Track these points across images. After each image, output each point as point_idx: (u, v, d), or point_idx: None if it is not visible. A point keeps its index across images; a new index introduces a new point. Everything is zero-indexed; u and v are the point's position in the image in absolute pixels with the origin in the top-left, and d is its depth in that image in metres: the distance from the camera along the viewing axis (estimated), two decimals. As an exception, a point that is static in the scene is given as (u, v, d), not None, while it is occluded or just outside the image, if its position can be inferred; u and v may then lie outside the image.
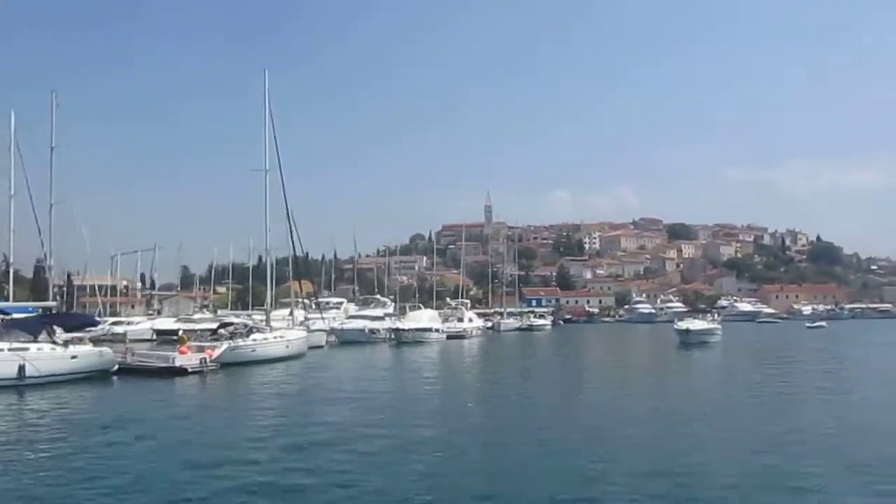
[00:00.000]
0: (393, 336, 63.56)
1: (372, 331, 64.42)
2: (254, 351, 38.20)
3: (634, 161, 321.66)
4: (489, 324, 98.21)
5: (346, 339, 59.21)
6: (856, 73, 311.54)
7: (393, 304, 78.87)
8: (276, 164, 45.07)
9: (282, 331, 44.32)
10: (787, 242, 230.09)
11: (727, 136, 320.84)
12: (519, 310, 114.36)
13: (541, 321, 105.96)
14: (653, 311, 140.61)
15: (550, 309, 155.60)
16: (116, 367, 31.34)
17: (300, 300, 72.31)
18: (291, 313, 63.00)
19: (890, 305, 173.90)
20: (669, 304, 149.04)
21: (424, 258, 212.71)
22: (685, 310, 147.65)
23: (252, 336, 39.88)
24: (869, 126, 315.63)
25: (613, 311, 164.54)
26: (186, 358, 32.19)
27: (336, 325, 62.09)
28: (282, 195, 45.63)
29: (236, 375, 31.93)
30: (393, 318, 70.84)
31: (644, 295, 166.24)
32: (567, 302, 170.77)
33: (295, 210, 48.47)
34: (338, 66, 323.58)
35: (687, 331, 52.26)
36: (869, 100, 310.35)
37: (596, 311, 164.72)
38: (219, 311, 76.84)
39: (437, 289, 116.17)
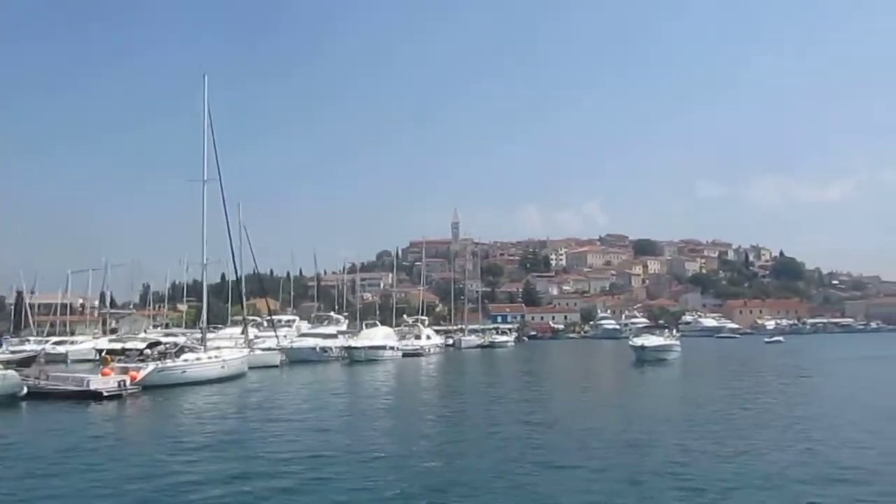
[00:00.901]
0: (346, 354, 61.74)
1: (324, 349, 62.31)
2: (184, 372, 35.83)
3: (602, 177, 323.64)
4: (450, 341, 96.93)
5: (296, 358, 56.89)
6: (818, 92, 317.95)
7: (347, 321, 76.89)
8: (215, 174, 42.79)
9: (218, 350, 41.96)
10: (751, 258, 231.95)
11: (695, 152, 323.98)
12: (481, 327, 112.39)
13: (503, 338, 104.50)
14: (617, 327, 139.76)
15: (515, 325, 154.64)
16: (25, 390, 29.01)
17: (253, 318, 70.40)
18: (245, 331, 61.22)
19: (851, 320, 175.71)
20: (634, 320, 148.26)
21: (390, 275, 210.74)
22: (647, 325, 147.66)
23: (183, 356, 37.55)
24: (832, 144, 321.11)
25: (579, 328, 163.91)
26: (103, 380, 29.86)
27: (285, 343, 59.97)
28: (232, 207, 43.34)
29: (160, 399, 29.65)
30: (347, 335, 68.82)
31: (609, 311, 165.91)
32: (532, 318, 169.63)
33: (257, 226, 46.38)
34: (304, 82, 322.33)
35: (642, 347, 50.19)
36: (832, 118, 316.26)
37: (561, 327, 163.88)
38: (170, 329, 74.30)
39: (398, 306, 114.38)
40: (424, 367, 56.19)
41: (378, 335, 67.61)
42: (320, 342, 62.97)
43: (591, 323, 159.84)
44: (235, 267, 49.08)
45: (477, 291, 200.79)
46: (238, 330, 62.77)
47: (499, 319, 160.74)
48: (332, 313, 78.12)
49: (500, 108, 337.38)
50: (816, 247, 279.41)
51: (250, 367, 44.69)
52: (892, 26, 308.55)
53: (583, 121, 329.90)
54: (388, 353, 64.25)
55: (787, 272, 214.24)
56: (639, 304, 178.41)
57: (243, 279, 63.92)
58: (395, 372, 49.85)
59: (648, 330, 63.71)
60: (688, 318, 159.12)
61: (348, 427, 21.48)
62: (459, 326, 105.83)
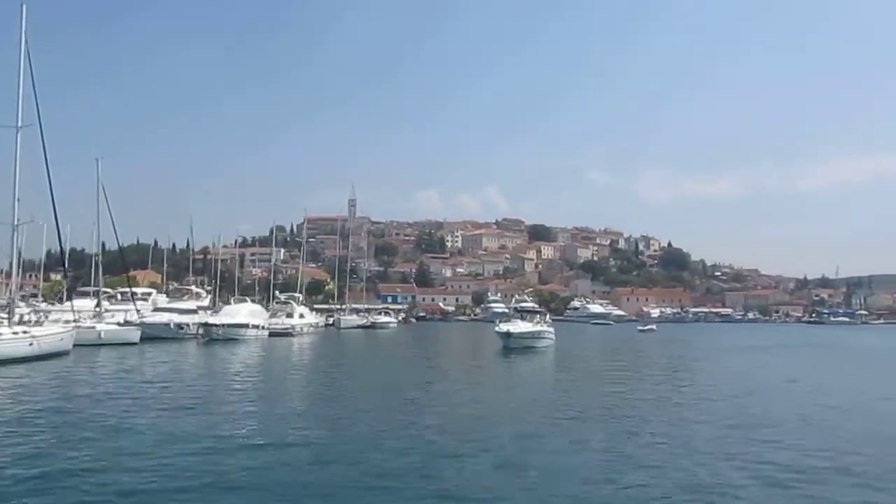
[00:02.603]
0: (203, 332, 56.86)
1: (179, 325, 57.02)
2: (-29, 350, 30.62)
3: (502, 163, 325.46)
4: (330, 320, 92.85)
5: (147, 335, 51.32)
6: (711, 93, 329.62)
7: (210, 295, 71.47)
8: (34, 118, 36.58)
9: (29, 325, 36.46)
10: (641, 247, 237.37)
11: (593, 143, 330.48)
12: (366, 306, 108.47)
13: (386, 318, 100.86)
14: (506, 310, 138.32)
15: (405, 306, 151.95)
16: None
17: (105, 290, 64.37)
18: (99, 304, 55.59)
19: (730, 310, 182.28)
20: (523, 304, 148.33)
21: (282, 251, 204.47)
22: (521, 309, 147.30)
23: (-26, 332, 32.10)
24: (719, 142, 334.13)
25: (469, 310, 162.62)
26: None
27: (134, 318, 54.49)
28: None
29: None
30: (208, 311, 63.60)
31: (500, 294, 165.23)
32: (423, 299, 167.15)
33: (147, 195, 40.29)
34: (210, 69, 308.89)
35: (508, 334, 46.24)
36: (720, 115, 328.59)
37: (452, 309, 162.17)
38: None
39: (286, 282, 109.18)
40: (288, 349, 51.83)
41: (241, 312, 62.49)
42: (175, 318, 57.65)
43: (482, 306, 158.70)
44: (59, 232, 42.33)
45: (369, 270, 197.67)
46: (89, 303, 57.09)
47: (389, 300, 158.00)
48: (192, 286, 72.13)
49: (402, 93, 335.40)
50: (702, 239, 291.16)
51: (103, 345, 41.89)
52: (773, 27, 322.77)
53: (484, 106, 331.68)
54: (252, 331, 59.46)
55: (674, 262, 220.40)
56: (530, 289, 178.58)
57: (100, 247, 58.03)
58: (252, 353, 45.48)
59: (515, 314, 58.57)
60: (576, 303, 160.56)
61: (143, 421, 17.27)
62: (341, 306, 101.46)
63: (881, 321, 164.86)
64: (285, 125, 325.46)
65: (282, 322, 69.41)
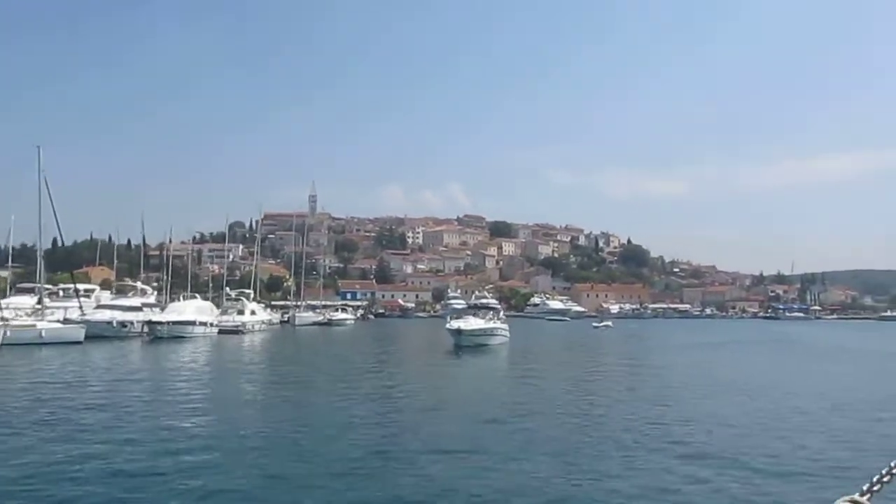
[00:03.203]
0: (147, 330, 54.98)
1: (122, 323, 54.99)
2: None
3: (465, 160, 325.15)
4: (286, 317, 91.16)
5: (89, 333, 49.25)
6: (672, 92, 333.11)
7: (156, 292, 69.40)
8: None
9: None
10: (601, 244, 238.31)
11: (554, 140, 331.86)
12: (321, 302, 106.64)
13: (343, 315, 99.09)
14: (465, 306, 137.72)
15: (364, 302, 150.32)
16: None
17: (47, 287, 61.87)
18: (40, 301, 53.17)
19: (689, 306, 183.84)
20: (483, 301, 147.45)
21: (241, 247, 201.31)
22: (473, 305, 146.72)
23: None
24: (677, 140, 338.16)
25: (429, 307, 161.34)
26: None
27: (76, 316, 52.33)
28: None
29: None
30: (154, 308, 61.50)
31: (460, 291, 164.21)
32: (383, 296, 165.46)
33: (104, 190, 38.17)
34: (169, 65, 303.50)
35: (459, 331, 44.37)
36: (679, 115, 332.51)
37: (412, 305, 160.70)
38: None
39: (245, 279, 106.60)
40: (236, 347, 50.28)
41: (188, 309, 60.58)
42: (118, 315, 55.59)
43: (442, 302, 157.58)
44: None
45: (329, 267, 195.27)
46: (30, 300, 54.78)
47: (348, 296, 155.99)
48: (138, 283, 69.77)
49: (370, 91, 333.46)
50: (661, 236, 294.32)
51: (45, 344, 41.28)
52: (743, 30, 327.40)
53: (447, 103, 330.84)
54: (199, 329, 57.63)
55: (634, 259, 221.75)
56: (491, 285, 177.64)
57: (41, 242, 55.52)
58: (197, 352, 43.88)
59: (469, 311, 56.71)
60: (536, 300, 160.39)
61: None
62: (296, 302, 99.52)
63: (834, 316, 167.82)
64: (246, 122, 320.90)
65: (232, 319, 67.62)
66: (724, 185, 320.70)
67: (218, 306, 72.06)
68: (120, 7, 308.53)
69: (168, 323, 54.82)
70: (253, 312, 72.48)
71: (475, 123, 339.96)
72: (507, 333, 51.08)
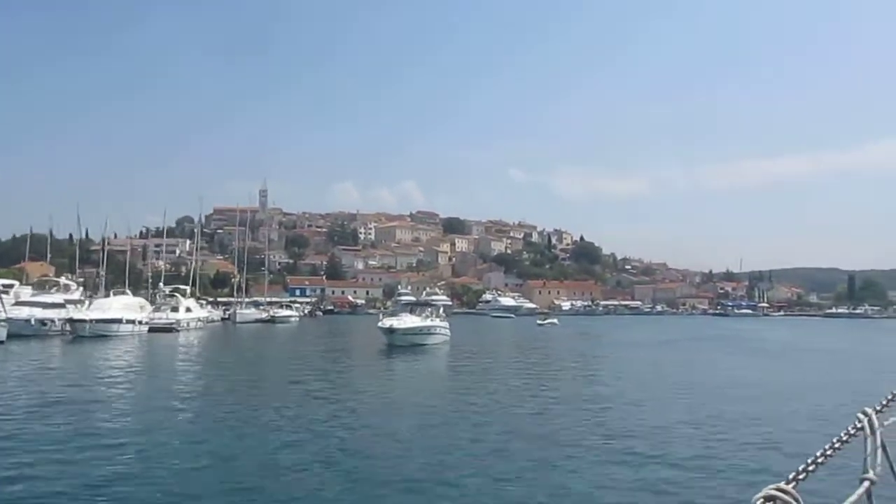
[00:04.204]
0: (69, 328, 51.94)
1: (42, 321, 51.91)
2: None
3: (419, 157, 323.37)
4: (227, 314, 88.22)
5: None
6: (624, 92, 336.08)
7: (81, 287, 66.00)
8: None
9: None
10: (554, 241, 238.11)
11: (508, 138, 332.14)
12: (266, 299, 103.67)
13: (286, 312, 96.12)
14: (414, 303, 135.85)
15: (314, 299, 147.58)
16: None
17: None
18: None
19: (640, 303, 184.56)
20: (434, 298, 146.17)
21: (188, 242, 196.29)
22: (413, 302, 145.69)
23: None
24: (631, 142, 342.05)
25: (380, 303, 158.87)
26: None
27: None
28: None
29: None
30: (78, 305, 58.21)
31: (410, 287, 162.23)
32: (333, 292, 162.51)
33: (53, 186, 35.26)
34: (124, 63, 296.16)
35: (391, 330, 41.96)
36: (634, 116, 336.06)
37: (362, 302, 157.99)
38: None
39: (163, 274, 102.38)
40: (166, 346, 47.79)
41: (114, 305, 57.46)
42: (38, 312, 52.40)
43: (393, 299, 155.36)
44: None
45: (278, 263, 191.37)
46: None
47: (297, 293, 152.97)
48: (62, 278, 66.16)
49: (328, 88, 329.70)
50: (613, 234, 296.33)
51: None
52: (700, 34, 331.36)
53: (402, 101, 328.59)
54: (126, 327, 54.75)
55: (586, 256, 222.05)
56: (443, 282, 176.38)
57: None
58: (120, 351, 41.46)
59: (408, 308, 54.34)
60: (488, 296, 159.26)
61: None
62: (238, 299, 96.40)
63: (781, 313, 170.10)
64: (204, 118, 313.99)
65: (166, 316, 64.68)
66: (675, 184, 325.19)
67: (153, 303, 69.12)
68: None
69: (91, 321, 51.88)
70: (188, 309, 69.37)
71: (430, 122, 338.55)
72: (448, 332, 48.81)
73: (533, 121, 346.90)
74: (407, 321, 44.91)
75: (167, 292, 72.48)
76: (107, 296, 65.59)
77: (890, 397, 1.78)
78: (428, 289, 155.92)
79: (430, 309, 52.56)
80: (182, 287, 75.85)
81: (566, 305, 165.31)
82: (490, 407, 20.49)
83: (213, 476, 12.19)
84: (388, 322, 43.64)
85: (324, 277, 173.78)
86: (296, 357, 39.55)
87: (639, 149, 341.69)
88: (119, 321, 54.29)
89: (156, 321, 61.80)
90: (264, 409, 19.37)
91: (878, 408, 1.65)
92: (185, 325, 65.42)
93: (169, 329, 61.04)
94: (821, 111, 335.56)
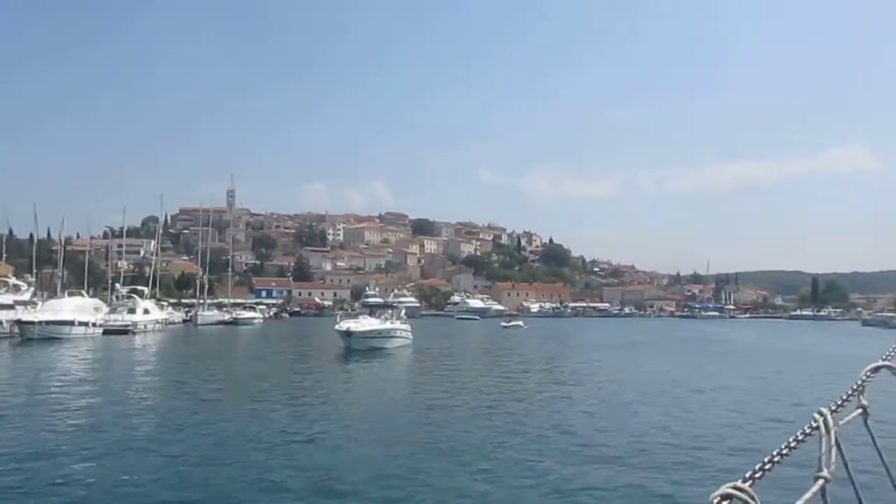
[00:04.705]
0: (17, 331, 50.13)
1: (-12, 324, 50.21)
2: None
3: (391, 159, 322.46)
4: (189, 316, 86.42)
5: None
6: (593, 95, 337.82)
7: (33, 288, 63.98)
8: None
9: None
10: (523, 243, 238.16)
11: (479, 140, 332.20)
12: (230, 301, 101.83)
13: (250, 314, 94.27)
14: (414, 303, 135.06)
15: (280, 300, 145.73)
16: None
17: None
18: None
19: (608, 305, 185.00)
20: (402, 299, 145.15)
21: (153, 242, 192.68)
22: (416, 304, 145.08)
23: None
24: (600, 145, 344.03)
25: (348, 305, 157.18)
26: None
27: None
28: None
29: None
30: (29, 307, 56.21)
31: (378, 289, 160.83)
32: (300, 294, 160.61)
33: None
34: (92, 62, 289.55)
35: (348, 333, 40.11)
36: (603, 119, 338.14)
37: (329, 303, 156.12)
38: None
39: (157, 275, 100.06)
40: (119, 349, 46.23)
41: (66, 307, 55.56)
42: (-15, 315, 50.63)
43: (360, 301, 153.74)
44: None
45: (245, 264, 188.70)
46: None
47: (263, 294, 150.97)
48: (11, 278, 63.91)
49: (297, 88, 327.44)
50: (583, 236, 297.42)
51: None
52: (668, 39, 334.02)
53: (374, 101, 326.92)
54: (79, 329, 53.02)
55: (555, 258, 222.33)
56: (411, 283, 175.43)
57: None
58: (71, 355, 39.95)
59: (368, 309, 52.33)
60: (456, 298, 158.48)
61: None
62: (200, 300, 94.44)
63: (747, 315, 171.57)
64: (176, 118, 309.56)
65: (122, 318, 62.83)
66: (644, 187, 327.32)
67: (110, 304, 67.30)
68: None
69: (41, 322, 50.04)
70: (146, 311, 67.47)
71: (400, 123, 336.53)
72: (409, 335, 47.48)
73: (503, 122, 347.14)
74: (365, 324, 43.25)
75: (124, 293, 70.52)
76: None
77: (844, 397, 1.81)
78: (396, 290, 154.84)
79: (390, 311, 50.79)
80: (140, 288, 73.89)
81: (535, 307, 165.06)
82: (438, 416, 19.50)
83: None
84: (345, 325, 41.91)
85: (291, 279, 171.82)
86: (249, 360, 38.32)
87: (608, 152, 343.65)
88: (71, 323, 52.60)
89: (111, 323, 60.16)
90: (188, 423, 18.08)
91: (833, 407, 1.70)
92: (143, 327, 63.64)
93: (125, 331, 59.36)
94: (786, 117, 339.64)
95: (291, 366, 35.02)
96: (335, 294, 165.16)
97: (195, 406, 20.78)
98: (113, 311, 64.88)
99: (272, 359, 39.94)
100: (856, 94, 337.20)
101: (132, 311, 65.54)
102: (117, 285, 74.94)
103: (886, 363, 1.86)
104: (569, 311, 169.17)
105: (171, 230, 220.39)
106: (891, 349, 2.02)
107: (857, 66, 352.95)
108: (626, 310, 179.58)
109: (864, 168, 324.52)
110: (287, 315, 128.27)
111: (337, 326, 42.54)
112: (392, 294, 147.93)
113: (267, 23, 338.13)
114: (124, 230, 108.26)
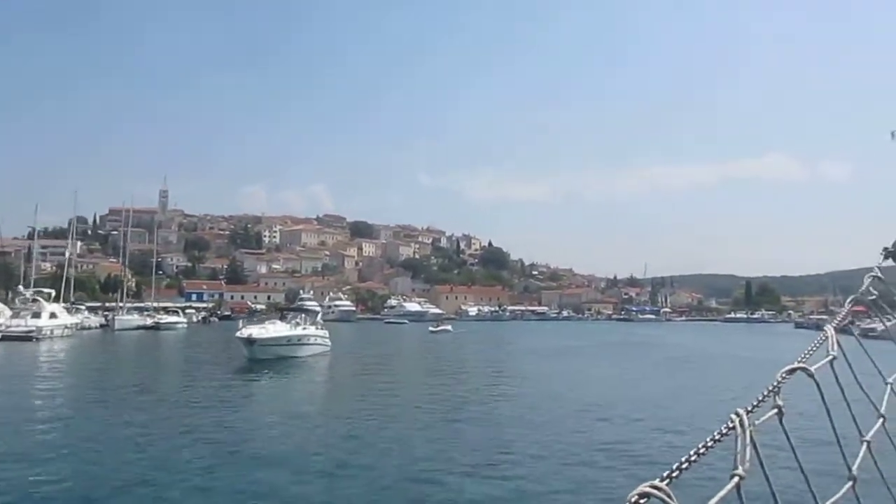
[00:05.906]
0: None
1: None
2: None
3: (329, 161, 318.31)
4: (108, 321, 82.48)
5: None
6: (530, 96, 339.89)
7: None
8: None
9: None
10: (462, 246, 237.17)
11: (418, 143, 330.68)
12: (153, 304, 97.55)
13: (173, 319, 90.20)
14: (318, 309, 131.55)
15: (211, 304, 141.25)
16: None
17: None
18: None
19: (546, 308, 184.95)
20: (337, 303, 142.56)
21: (79, 244, 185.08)
22: (352, 308, 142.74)
23: None
24: (537, 147, 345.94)
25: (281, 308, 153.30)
26: None
27: None
28: None
29: None
30: None
31: (313, 292, 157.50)
32: (232, 297, 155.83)
33: None
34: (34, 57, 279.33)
35: (250, 340, 36.69)
36: (539, 122, 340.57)
37: (262, 307, 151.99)
38: None
39: (79, 278, 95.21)
40: (19, 357, 42.79)
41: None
42: None
43: (294, 304, 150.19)
44: None
45: (176, 266, 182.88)
46: None
47: (193, 297, 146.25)
48: None
49: (236, 91, 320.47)
50: (521, 239, 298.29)
51: None
52: (589, 39, 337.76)
53: (314, 104, 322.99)
54: None
55: (494, 261, 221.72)
56: (348, 286, 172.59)
57: None
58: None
59: (279, 314, 47.67)
60: (393, 301, 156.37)
61: None
62: (119, 304, 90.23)
63: (682, 318, 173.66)
64: (112, 117, 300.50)
65: (24, 323, 58.75)
66: (582, 190, 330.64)
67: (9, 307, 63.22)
68: None
69: None
70: (53, 315, 63.20)
71: (341, 125, 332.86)
72: (327, 341, 44.58)
73: (442, 124, 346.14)
74: (272, 330, 39.98)
75: (27, 296, 66.17)
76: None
77: (760, 398, 1.87)
78: (332, 294, 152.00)
79: (302, 315, 47.37)
80: (46, 290, 69.47)
81: (473, 311, 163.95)
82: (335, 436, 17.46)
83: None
84: (247, 331, 38.21)
85: (223, 282, 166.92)
86: (139, 370, 35.43)
87: (546, 154, 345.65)
88: (-40, 330, 48.67)
89: (12, 329, 56.23)
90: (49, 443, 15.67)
91: (750, 408, 1.75)
92: (48, 332, 59.57)
93: (28, 338, 55.46)
94: (725, 124, 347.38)
95: (181, 378, 32.17)
96: (269, 297, 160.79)
97: (50, 428, 18.26)
98: (15, 315, 60.83)
99: (168, 368, 37.08)
100: (785, 102, 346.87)
101: (37, 315, 61.34)
102: (20, 287, 70.31)
103: (801, 365, 1.94)
104: (507, 314, 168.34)
105: (99, 231, 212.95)
106: (805, 352, 2.01)
107: (785, 74, 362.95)
108: (565, 313, 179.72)
109: (791, 177, 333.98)
110: (217, 319, 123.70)
111: (238, 333, 38.69)
112: (328, 297, 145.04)
113: (211, 23, 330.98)
114: (34, 232, 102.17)
